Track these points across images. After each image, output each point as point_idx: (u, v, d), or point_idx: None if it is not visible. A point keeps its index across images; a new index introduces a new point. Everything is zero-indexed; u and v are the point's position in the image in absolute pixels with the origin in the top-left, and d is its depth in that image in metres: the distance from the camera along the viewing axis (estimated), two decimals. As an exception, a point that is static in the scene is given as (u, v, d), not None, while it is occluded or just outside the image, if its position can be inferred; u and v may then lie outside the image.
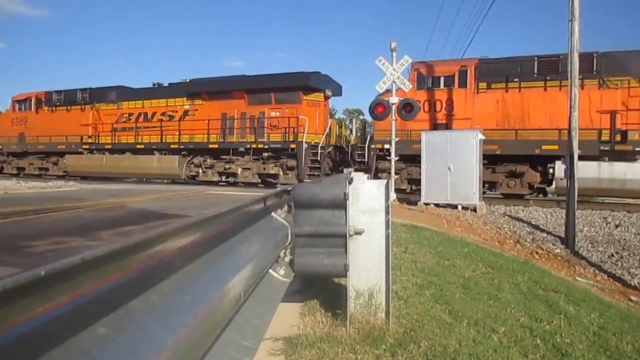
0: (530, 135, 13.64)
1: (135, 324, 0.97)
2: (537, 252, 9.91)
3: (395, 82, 13.23)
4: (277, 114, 16.97)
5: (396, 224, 7.87)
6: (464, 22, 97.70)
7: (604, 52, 13.27)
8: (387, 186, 3.60)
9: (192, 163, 18.78)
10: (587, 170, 12.29)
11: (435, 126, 14.63)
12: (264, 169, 17.40)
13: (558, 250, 10.18)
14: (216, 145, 17.90)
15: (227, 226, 1.81)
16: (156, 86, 20.81)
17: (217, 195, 11.49)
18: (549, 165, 13.46)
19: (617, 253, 9.86)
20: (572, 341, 3.94)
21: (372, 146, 15.60)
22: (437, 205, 12.39)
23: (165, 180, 19.90)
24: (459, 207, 12.29)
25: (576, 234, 10.51)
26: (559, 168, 12.65)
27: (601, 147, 12.85)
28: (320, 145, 16.55)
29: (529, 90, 13.77)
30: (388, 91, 13.42)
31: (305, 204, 3.34)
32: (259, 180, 17.82)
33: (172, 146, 18.95)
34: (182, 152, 18.89)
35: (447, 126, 14.51)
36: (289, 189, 3.37)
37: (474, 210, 12.28)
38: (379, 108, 13.65)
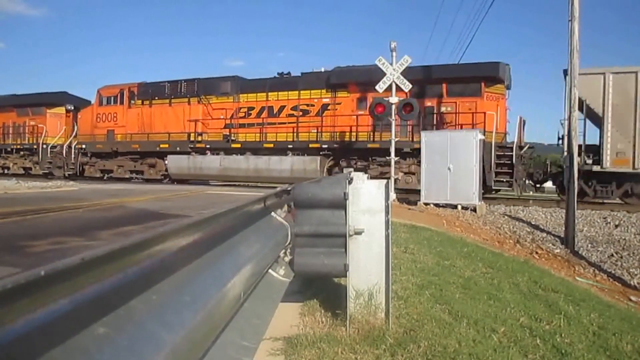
0: (154, 137, 19.27)
1: (135, 323, 0.97)
2: (536, 252, 9.91)
3: (395, 82, 13.23)
4: (33, 123, 23.42)
5: (396, 224, 7.87)
6: (463, 22, 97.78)
7: (201, 78, 18.65)
8: (387, 186, 3.59)
9: None
10: (181, 161, 18.26)
11: (108, 131, 20.61)
12: (23, 163, 24.08)
13: (558, 250, 10.18)
14: None
15: (226, 226, 1.81)
16: None
17: (217, 195, 11.50)
18: (165, 158, 18.95)
19: (616, 253, 9.87)
20: (571, 341, 3.95)
21: (76, 145, 21.72)
22: (437, 205, 12.39)
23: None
24: (459, 207, 12.29)
25: (576, 234, 10.51)
26: (169, 160, 18.68)
27: (190, 145, 18.28)
28: (51, 145, 22.67)
29: (157, 106, 19.38)
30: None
31: (305, 204, 3.34)
32: (24, 172, 23.91)
33: None
34: None
35: (114, 132, 20.41)
36: (289, 189, 3.36)
37: (474, 210, 12.28)
38: (378, 108, 13.69)
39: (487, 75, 14.24)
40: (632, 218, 11.90)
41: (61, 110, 23.28)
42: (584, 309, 5.18)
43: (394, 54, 13.25)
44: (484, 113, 14.02)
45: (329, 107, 16.16)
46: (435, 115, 14.72)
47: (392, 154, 13.40)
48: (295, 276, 3.16)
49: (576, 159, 10.78)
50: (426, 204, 12.44)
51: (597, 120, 14.12)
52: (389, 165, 14.35)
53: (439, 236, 8.40)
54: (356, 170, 16.11)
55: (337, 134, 15.92)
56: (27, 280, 0.68)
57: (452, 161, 12.10)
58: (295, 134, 16.43)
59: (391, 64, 13.21)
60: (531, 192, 16.20)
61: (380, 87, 13.43)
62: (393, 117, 13.40)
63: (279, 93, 16.86)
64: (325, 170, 15.77)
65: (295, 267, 3.14)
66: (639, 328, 5.07)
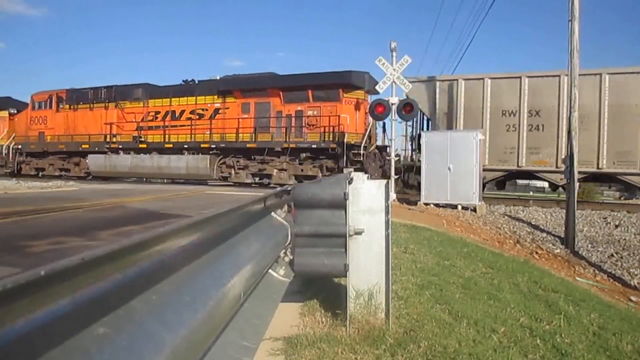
0: (78, 139, 21.26)
1: (135, 323, 0.97)
2: (537, 252, 9.91)
3: (395, 82, 13.23)
4: None
5: (396, 224, 7.87)
6: (463, 22, 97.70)
7: (118, 85, 20.46)
8: (387, 186, 3.59)
9: None
10: (99, 160, 20.19)
11: (39, 133, 22.39)
12: None
13: (558, 250, 10.18)
14: None
15: (227, 226, 1.81)
16: None
17: (217, 195, 11.50)
18: (86, 158, 20.81)
19: (617, 253, 9.87)
20: (572, 341, 3.95)
21: (13, 146, 23.41)
22: (437, 205, 12.39)
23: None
24: (459, 207, 12.29)
25: (576, 234, 10.51)
26: (89, 159, 20.68)
27: (106, 146, 20.19)
28: None
29: (81, 110, 21.29)
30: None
31: (305, 204, 3.34)
32: None
33: None
34: None
35: (44, 134, 22.21)
36: (289, 189, 3.36)
37: (474, 210, 12.28)
38: (378, 108, 13.70)
39: (344, 83, 15.63)
40: (632, 218, 11.90)
41: (5, 114, 25.06)
42: (584, 309, 5.18)
43: (394, 54, 13.25)
44: (339, 116, 15.48)
45: (219, 111, 18.11)
46: (303, 118, 16.33)
47: (392, 153, 13.41)
48: (295, 276, 3.16)
49: (576, 159, 10.77)
50: (426, 204, 12.44)
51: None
52: (267, 162, 16.44)
53: (439, 236, 8.40)
54: (239, 168, 16.70)
55: (225, 135, 17.83)
56: (27, 280, 0.68)
57: (452, 161, 12.11)
58: (192, 135, 18.54)
59: (391, 64, 13.21)
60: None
61: (381, 87, 13.45)
62: (394, 117, 13.40)
63: (180, 99, 18.90)
64: (215, 167, 17.80)
65: (295, 267, 3.14)
66: (639, 328, 5.06)
